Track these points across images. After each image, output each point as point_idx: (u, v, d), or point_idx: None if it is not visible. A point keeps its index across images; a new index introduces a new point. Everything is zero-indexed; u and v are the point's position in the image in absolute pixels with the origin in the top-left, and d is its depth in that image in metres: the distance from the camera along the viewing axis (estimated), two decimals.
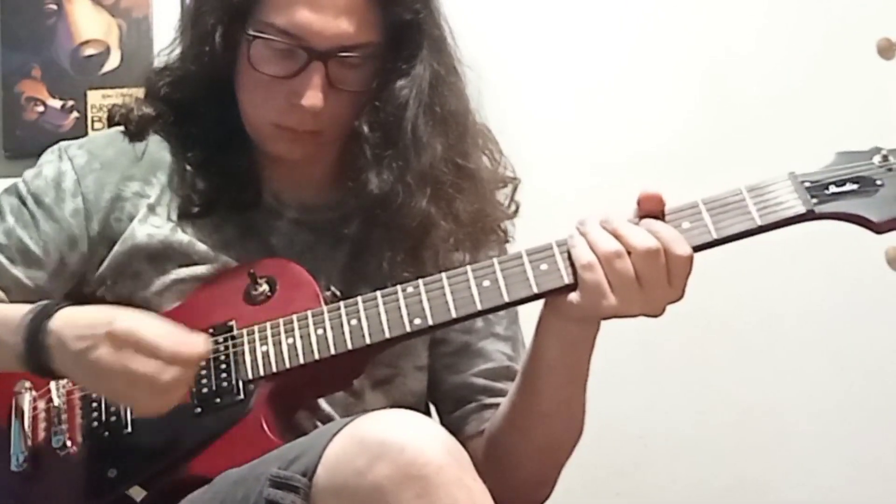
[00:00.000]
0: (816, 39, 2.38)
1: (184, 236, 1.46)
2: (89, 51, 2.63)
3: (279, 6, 1.39)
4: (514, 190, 1.54)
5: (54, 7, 2.63)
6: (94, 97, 2.60)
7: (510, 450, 1.44)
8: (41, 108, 2.62)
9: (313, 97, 1.40)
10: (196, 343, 1.26)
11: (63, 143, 1.54)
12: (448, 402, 1.55)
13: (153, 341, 1.23)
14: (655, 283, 1.25)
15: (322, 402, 1.45)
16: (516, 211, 1.54)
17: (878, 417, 2.34)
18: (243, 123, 1.48)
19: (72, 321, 1.28)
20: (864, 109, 2.24)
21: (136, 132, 1.52)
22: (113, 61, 2.62)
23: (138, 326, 1.24)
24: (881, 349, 2.33)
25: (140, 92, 1.57)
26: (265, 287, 1.41)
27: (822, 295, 2.36)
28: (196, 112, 1.50)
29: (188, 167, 1.49)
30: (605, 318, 1.30)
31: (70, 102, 2.61)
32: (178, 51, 1.52)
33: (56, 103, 2.61)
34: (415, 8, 1.44)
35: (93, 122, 2.60)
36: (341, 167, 1.50)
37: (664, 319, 2.35)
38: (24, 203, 1.50)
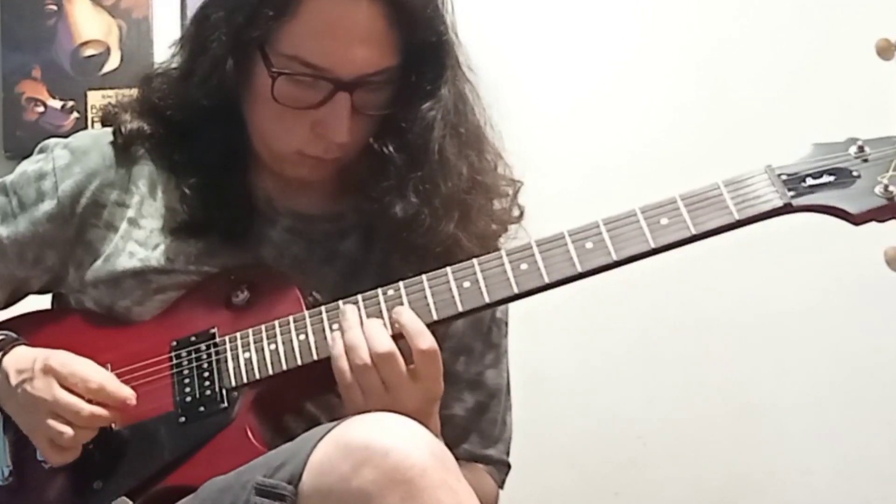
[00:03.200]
0: (816, 40, 2.39)
1: (166, 257, 1.45)
2: (89, 51, 2.65)
3: (301, 38, 1.35)
4: (516, 193, 1.52)
5: (54, 7, 2.65)
6: (94, 97, 2.62)
7: None
8: (41, 109, 2.64)
9: (342, 131, 1.38)
10: (123, 387, 1.34)
11: (52, 141, 1.54)
12: None
13: (82, 375, 1.32)
14: (398, 385, 1.27)
15: (307, 405, 1.44)
16: (521, 215, 1.52)
17: (876, 416, 2.34)
18: (247, 146, 1.47)
19: (17, 358, 1.37)
20: (864, 110, 2.24)
21: (124, 144, 1.50)
22: (113, 62, 2.64)
23: (71, 362, 1.34)
24: (879, 349, 2.33)
25: (136, 93, 1.54)
26: (246, 293, 1.41)
27: (820, 294, 2.36)
28: (195, 135, 1.47)
29: (187, 190, 1.46)
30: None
31: (70, 103, 2.64)
32: (179, 66, 1.48)
33: (56, 104, 2.64)
34: (438, 30, 1.41)
35: (93, 122, 2.62)
36: (343, 179, 1.49)
37: (663, 320, 2.39)
38: (8, 199, 1.51)
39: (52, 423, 1.31)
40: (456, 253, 1.40)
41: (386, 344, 1.27)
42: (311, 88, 1.37)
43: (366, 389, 1.27)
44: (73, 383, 1.32)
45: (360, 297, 1.34)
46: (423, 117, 1.41)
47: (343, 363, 1.28)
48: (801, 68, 2.38)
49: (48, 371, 1.33)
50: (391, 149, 1.42)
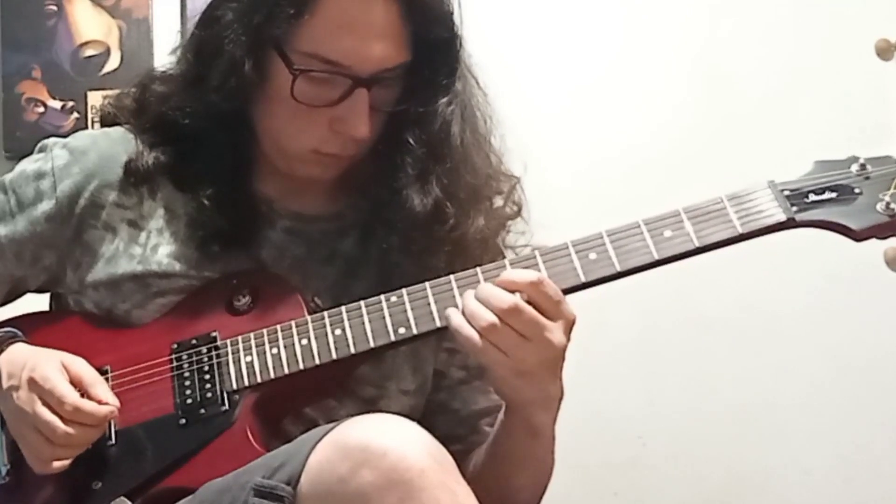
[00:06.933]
0: (815, 40, 2.37)
1: (167, 261, 1.44)
2: (89, 52, 2.65)
3: (320, 36, 1.35)
4: (513, 188, 1.52)
5: (54, 8, 2.65)
6: (95, 98, 2.62)
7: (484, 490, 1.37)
8: (41, 109, 2.64)
9: (363, 127, 1.38)
10: (99, 407, 1.31)
11: (51, 140, 1.54)
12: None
13: (59, 394, 1.30)
14: (538, 332, 1.25)
15: (306, 408, 1.44)
16: (518, 211, 1.52)
17: (875, 416, 2.34)
18: (253, 150, 1.47)
19: (11, 358, 1.37)
20: (863, 111, 2.24)
21: (139, 181, 1.48)
22: (113, 62, 2.64)
23: (52, 377, 1.31)
24: (878, 348, 2.33)
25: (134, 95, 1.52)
26: (248, 298, 1.41)
27: (820, 295, 2.36)
28: (206, 144, 1.45)
29: (205, 202, 1.45)
30: (515, 378, 1.28)
31: (70, 103, 2.64)
32: (185, 71, 1.46)
33: (56, 104, 2.64)
34: (451, 26, 1.42)
35: (93, 122, 2.61)
36: (343, 178, 1.49)
37: (662, 319, 2.39)
38: (6, 198, 1.50)
39: (33, 436, 1.31)
40: (490, 246, 1.42)
41: (507, 299, 1.24)
42: (328, 85, 1.37)
43: (505, 347, 1.25)
44: (51, 402, 1.31)
45: (363, 303, 1.34)
46: (443, 112, 1.42)
47: (467, 330, 1.26)
48: (804, 71, 2.38)
49: (31, 385, 1.32)
50: (411, 142, 1.42)
